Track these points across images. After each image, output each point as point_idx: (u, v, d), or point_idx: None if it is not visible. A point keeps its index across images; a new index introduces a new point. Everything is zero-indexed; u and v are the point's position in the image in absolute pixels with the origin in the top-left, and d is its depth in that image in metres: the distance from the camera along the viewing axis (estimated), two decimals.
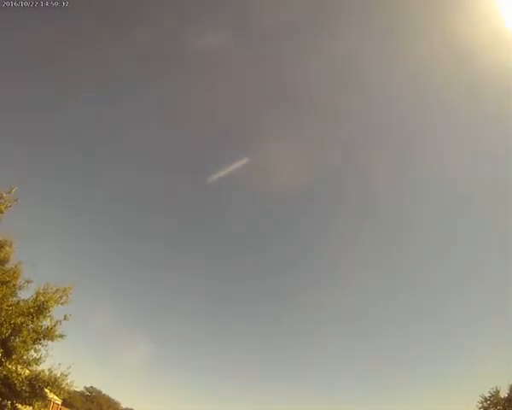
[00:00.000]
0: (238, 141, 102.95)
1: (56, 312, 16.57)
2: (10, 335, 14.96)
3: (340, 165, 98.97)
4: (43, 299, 16.10)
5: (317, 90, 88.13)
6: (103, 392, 66.11)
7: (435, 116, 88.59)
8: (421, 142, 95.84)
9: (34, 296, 16.25)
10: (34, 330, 16.02)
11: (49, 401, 26.82)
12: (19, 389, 14.83)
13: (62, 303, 16.64)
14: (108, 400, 66.11)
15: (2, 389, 14.75)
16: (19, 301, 16.13)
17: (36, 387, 15.59)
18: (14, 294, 16.24)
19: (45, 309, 16.06)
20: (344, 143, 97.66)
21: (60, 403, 37.27)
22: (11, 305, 15.46)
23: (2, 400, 15.08)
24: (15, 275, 16.52)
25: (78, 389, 54.65)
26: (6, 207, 16.06)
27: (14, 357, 15.46)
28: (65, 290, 16.73)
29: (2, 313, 14.80)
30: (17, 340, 15.40)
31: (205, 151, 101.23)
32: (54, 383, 16.06)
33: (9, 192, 16.24)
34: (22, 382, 14.95)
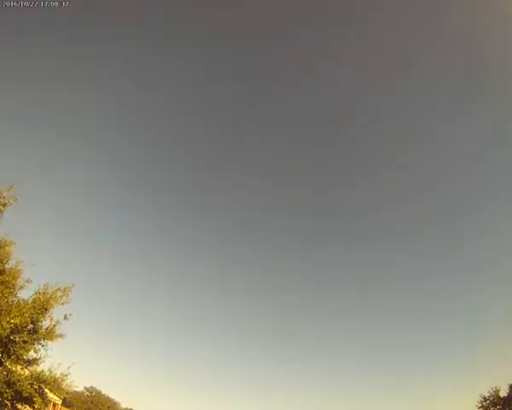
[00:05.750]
0: None
1: (56, 311, 16.59)
2: (10, 334, 14.92)
3: None
4: (42, 299, 16.06)
5: None
6: (103, 392, 66.08)
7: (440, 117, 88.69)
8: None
9: (34, 296, 16.22)
10: (34, 330, 16.00)
11: (49, 400, 26.76)
12: (19, 389, 14.80)
13: (62, 303, 16.62)
14: (108, 400, 65.98)
15: (3, 389, 14.71)
16: (19, 301, 16.10)
17: (36, 387, 15.57)
18: (13, 294, 16.20)
19: (45, 309, 16.04)
20: None
21: (60, 403, 37.21)
22: (11, 305, 15.42)
23: (3, 400, 15.05)
24: (15, 275, 16.47)
25: (78, 389, 54.74)
26: (5, 205, 16.01)
27: (13, 357, 15.43)
28: (65, 290, 16.70)
29: (2, 313, 14.76)
30: (17, 340, 15.37)
31: None
32: (54, 384, 16.05)
33: (8, 190, 16.17)
34: (23, 382, 14.93)
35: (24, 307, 15.42)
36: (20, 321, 14.84)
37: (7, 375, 14.79)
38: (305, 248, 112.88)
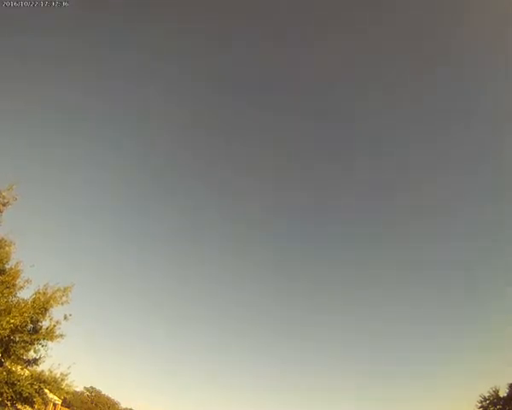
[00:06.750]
0: None
1: (56, 311, 16.55)
2: (10, 334, 14.89)
3: None
4: (42, 299, 16.02)
5: None
6: (103, 392, 65.96)
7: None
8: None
9: (34, 296, 16.17)
10: (34, 330, 15.97)
11: (49, 401, 26.73)
12: (19, 390, 14.77)
13: (62, 303, 16.55)
14: (108, 400, 65.85)
15: (3, 389, 14.69)
16: (18, 301, 16.06)
17: (36, 387, 15.53)
18: (13, 294, 16.17)
19: (45, 309, 16.00)
20: None
21: (60, 403, 37.16)
22: (11, 304, 15.39)
23: (3, 400, 15.03)
24: (15, 275, 16.43)
25: (78, 389, 54.64)
26: (5, 205, 15.99)
27: (13, 357, 15.40)
28: (65, 290, 16.64)
29: (2, 313, 14.73)
30: (17, 340, 15.35)
31: None
32: (54, 384, 16.00)
33: (8, 189, 16.13)
34: (23, 382, 14.89)
35: (24, 307, 15.37)
36: (20, 321, 14.81)
37: (7, 375, 14.75)
38: (306, 248, 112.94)
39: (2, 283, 15.65)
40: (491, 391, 35.22)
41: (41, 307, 15.85)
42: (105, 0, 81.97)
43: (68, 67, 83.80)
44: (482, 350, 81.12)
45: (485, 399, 35.29)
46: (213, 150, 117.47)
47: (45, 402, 17.45)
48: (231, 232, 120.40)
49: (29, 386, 15.07)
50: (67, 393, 17.11)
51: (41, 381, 15.67)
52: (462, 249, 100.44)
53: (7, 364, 15.24)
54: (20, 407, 16.04)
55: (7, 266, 16.70)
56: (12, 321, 14.54)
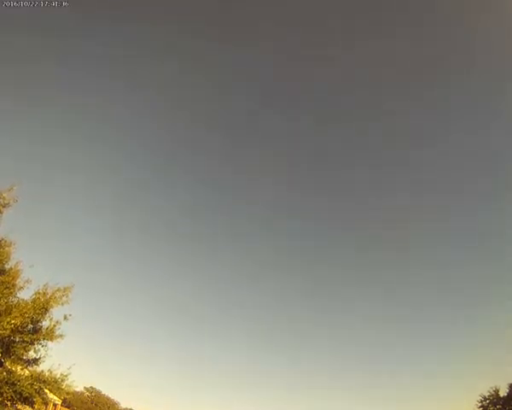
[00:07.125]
0: None
1: (56, 312, 16.53)
2: (11, 335, 14.89)
3: None
4: (42, 299, 16.01)
5: None
6: (103, 392, 65.93)
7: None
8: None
9: (34, 296, 16.17)
10: (34, 331, 15.97)
11: (49, 401, 26.73)
12: (19, 390, 14.78)
13: (62, 303, 16.54)
14: (108, 400, 65.82)
15: (3, 389, 14.70)
16: (18, 301, 16.06)
17: (36, 387, 15.53)
18: (13, 294, 16.17)
19: (45, 310, 16.00)
20: None
21: (59, 403, 37.16)
22: (11, 305, 15.39)
23: (3, 400, 15.03)
24: (15, 275, 16.43)
25: (78, 389, 54.62)
26: (5, 206, 15.99)
27: (13, 357, 15.40)
28: (65, 290, 16.62)
29: (2, 313, 14.73)
30: (17, 340, 15.34)
31: None
32: (54, 384, 15.99)
33: (9, 190, 16.13)
34: (23, 382, 14.89)
35: (24, 308, 15.36)
36: (21, 321, 14.80)
37: (7, 375, 14.75)
38: (307, 246, 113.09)
39: (2, 283, 15.64)
40: (491, 391, 35.28)
41: (41, 307, 15.82)
42: (105, 0, 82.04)
43: (68, 67, 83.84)
44: (482, 350, 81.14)
45: (486, 399, 35.34)
46: (213, 150, 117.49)
47: (45, 402, 17.44)
48: (232, 231, 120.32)
49: (29, 386, 15.06)
50: (67, 393, 17.12)
51: (41, 381, 15.67)
52: (462, 249, 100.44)
53: (7, 364, 15.24)
54: (20, 407, 16.04)
55: (7, 267, 16.71)
56: (13, 321, 14.54)
